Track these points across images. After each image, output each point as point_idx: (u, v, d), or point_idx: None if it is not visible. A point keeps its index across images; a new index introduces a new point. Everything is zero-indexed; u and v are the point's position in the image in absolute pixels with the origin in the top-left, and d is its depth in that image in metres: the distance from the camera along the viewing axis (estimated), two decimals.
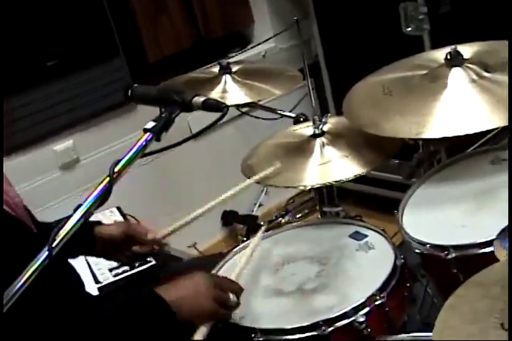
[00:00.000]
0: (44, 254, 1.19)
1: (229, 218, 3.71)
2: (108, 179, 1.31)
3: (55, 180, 3.18)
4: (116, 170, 1.32)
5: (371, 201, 3.51)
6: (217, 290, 1.61)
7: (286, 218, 3.70)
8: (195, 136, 1.49)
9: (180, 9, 3.58)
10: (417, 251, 1.83)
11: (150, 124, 1.40)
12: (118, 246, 1.92)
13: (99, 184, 1.30)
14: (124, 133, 3.28)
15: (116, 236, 1.89)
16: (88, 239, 1.87)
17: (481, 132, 1.81)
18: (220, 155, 3.66)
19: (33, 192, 3.01)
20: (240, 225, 3.65)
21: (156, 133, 1.39)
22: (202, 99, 1.44)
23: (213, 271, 1.94)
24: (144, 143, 1.38)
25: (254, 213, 3.70)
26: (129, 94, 1.49)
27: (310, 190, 3.53)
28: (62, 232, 1.22)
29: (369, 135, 1.98)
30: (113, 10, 3.26)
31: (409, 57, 2.31)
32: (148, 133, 1.39)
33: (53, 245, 1.19)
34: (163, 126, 1.40)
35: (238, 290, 1.68)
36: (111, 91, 3.22)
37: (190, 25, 3.62)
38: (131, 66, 3.33)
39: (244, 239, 3.30)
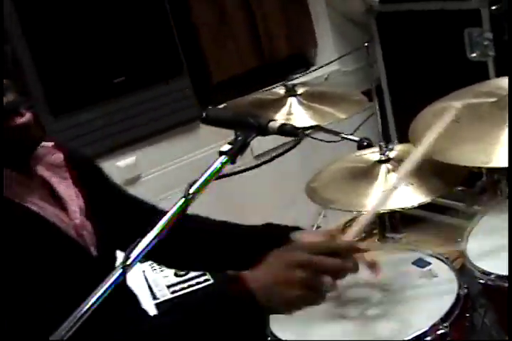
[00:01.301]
0: (118, 272, 1.20)
1: None
2: (183, 200, 1.32)
3: None
4: (190, 191, 1.33)
5: (431, 226, 3.48)
6: (299, 271, 1.37)
7: None
8: (270, 160, 1.50)
9: (246, 30, 3.61)
10: (480, 281, 1.81)
11: (225, 147, 1.41)
12: None
13: (174, 205, 1.31)
14: (186, 151, 3.32)
15: None
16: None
17: None
18: (280, 176, 3.66)
19: None
20: None
21: (232, 156, 1.40)
22: (278, 123, 1.44)
23: None
24: (219, 166, 1.39)
25: None
26: (204, 116, 1.50)
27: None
28: (136, 251, 1.23)
29: (435, 162, 1.97)
30: (179, 30, 3.31)
31: (476, 84, 2.30)
32: (223, 156, 1.40)
33: (127, 263, 1.21)
34: (238, 149, 1.41)
35: (335, 267, 1.42)
36: (175, 110, 3.27)
37: (255, 46, 3.65)
38: (195, 85, 3.37)
39: None
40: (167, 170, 3.33)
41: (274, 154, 1.46)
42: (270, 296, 1.37)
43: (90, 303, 1.18)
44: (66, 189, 1.59)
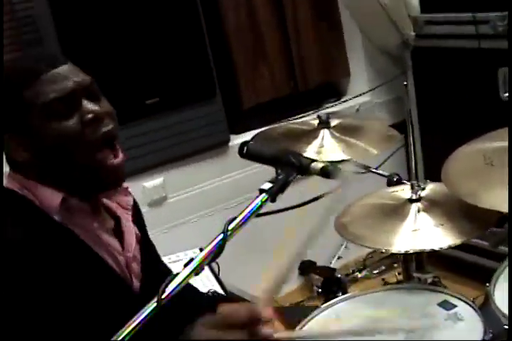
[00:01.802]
0: (152, 305, 1.21)
1: (307, 268, 3.70)
2: (222, 236, 1.32)
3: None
4: (230, 227, 1.33)
5: (456, 265, 3.46)
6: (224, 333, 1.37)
7: (363, 273, 3.69)
8: (308, 203, 1.50)
9: (279, 57, 3.64)
10: (505, 326, 1.80)
11: (266, 185, 1.40)
12: None
13: (213, 240, 1.31)
14: (214, 175, 3.34)
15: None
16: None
17: None
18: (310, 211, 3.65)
19: None
20: (316, 276, 3.64)
21: (272, 194, 1.40)
22: (320, 165, 1.44)
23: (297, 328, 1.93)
24: (259, 204, 1.39)
25: (332, 265, 3.69)
26: (245, 150, 1.50)
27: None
28: (172, 285, 1.24)
29: (467, 204, 1.96)
30: (214, 53, 3.33)
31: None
32: (263, 194, 1.40)
33: (162, 297, 1.21)
34: (279, 188, 1.40)
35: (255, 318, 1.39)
36: (206, 133, 3.28)
37: (288, 73, 3.67)
38: (227, 110, 3.39)
39: (320, 290, 3.28)
40: (193, 193, 3.34)
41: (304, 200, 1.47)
42: None
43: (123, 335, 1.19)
44: (128, 224, 1.63)
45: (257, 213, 1.38)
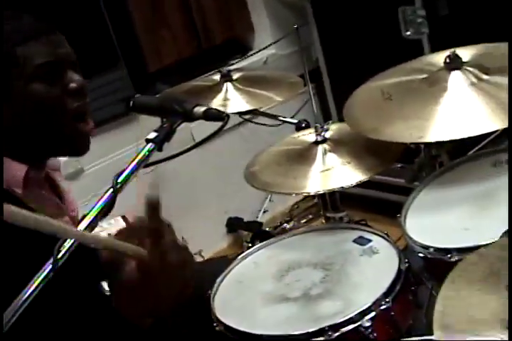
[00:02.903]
0: (48, 267, 1.19)
1: (234, 225, 3.71)
2: (111, 190, 1.31)
3: None
4: (119, 181, 1.32)
5: (374, 205, 3.50)
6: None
7: (291, 224, 3.71)
8: (196, 146, 1.50)
9: (180, 17, 3.59)
10: (420, 255, 1.83)
11: (152, 135, 1.40)
12: None
13: (103, 195, 1.30)
14: (127, 142, 3.29)
15: None
16: None
17: (482, 135, 1.82)
18: (223, 163, 3.66)
19: None
20: (244, 232, 3.66)
21: (158, 143, 1.39)
22: (203, 108, 1.43)
23: (218, 279, 1.94)
24: (146, 154, 1.38)
25: (259, 219, 3.71)
26: (131, 104, 1.49)
27: (314, 195, 3.55)
28: (67, 244, 1.22)
29: (371, 140, 1.99)
30: (113, 20, 3.27)
31: (409, 62, 2.31)
32: (150, 144, 1.39)
33: (58, 257, 1.20)
34: (164, 136, 1.40)
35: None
36: (113, 101, 3.23)
37: (190, 33, 3.63)
38: (132, 76, 3.34)
39: (250, 245, 3.30)
40: (109, 163, 3.29)
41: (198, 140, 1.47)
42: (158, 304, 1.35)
43: (22, 300, 1.17)
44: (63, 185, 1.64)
45: (145, 163, 1.36)
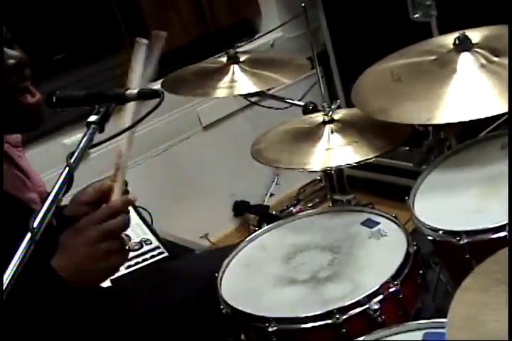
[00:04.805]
0: (26, 240, 1.25)
1: (240, 208, 3.71)
2: (68, 169, 1.39)
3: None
4: (72, 161, 1.40)
5: (382, 188, 3.49)
6: (98, 245, 1.46)
7: (298, 207, 3.70)
8: (132, 127, 1.53)
9: (187, 0, 3.57)
10: (429, 237, 1.82)
11: (92, 118, 1.47)
12: None
13: (60, 174, 1.38)
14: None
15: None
16: None
17: (491, 117, 1.80)
18: (230, 145, 3.65)
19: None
20: (251, 215, 3.66)
21: (99, 125, 1.46)
22: (135, 90, 1.50)
23: (225, 261, 1.93)
24: (90, 136, 1.45)
25: (265, 203, 3.71)
26: (54, 100, 1.54)
27: (321, 179, 3.54)
28: (38, 219, 1.30)
29: (379, 122, 1.97)
30: (120, 3, 3.26)
31: (418, 43, 2.29)
32: (92, 126, 1.46)
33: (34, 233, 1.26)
34: (103, 118, 1.47)
35: (121, 226, 1.50)
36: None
37: (197, 16, 3.61)
38: None
39: (256, 228, 3.30)
40: (115, 145, 3.28)
41: None
42: (82, 278, 1.45)
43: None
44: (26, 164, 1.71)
45: (91, 144, 1.46)
